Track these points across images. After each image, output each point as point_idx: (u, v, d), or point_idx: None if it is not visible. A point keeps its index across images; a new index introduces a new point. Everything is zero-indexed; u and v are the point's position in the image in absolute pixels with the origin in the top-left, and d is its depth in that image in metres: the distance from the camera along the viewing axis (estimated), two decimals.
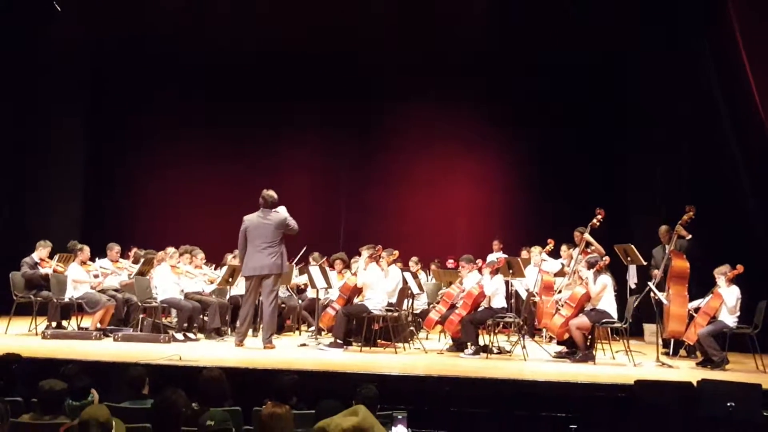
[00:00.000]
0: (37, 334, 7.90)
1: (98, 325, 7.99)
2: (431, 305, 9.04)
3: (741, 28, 6.64)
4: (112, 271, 8.73)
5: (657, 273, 8.03)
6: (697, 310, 7.46)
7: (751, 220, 8.27)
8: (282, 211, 7.47)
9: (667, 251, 8.03)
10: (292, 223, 7.45)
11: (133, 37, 11.09)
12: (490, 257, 9.71)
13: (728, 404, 5.08)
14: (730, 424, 5.02)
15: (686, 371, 6.88)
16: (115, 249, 8.98)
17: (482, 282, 7.82)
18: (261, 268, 7.33)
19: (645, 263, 8.40)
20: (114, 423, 2.99)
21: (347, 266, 9.24)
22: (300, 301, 9.41)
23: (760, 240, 7.97)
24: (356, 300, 8.01)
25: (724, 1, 6.76)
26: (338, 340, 7.65)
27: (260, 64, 11.48)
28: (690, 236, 8.05)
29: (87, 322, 8.30)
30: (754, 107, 6.69)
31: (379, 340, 8.08)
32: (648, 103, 10.25)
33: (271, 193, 7.48)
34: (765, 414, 5.25)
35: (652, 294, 7.78)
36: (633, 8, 9.77)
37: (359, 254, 8.25)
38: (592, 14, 10.08)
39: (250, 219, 7.44)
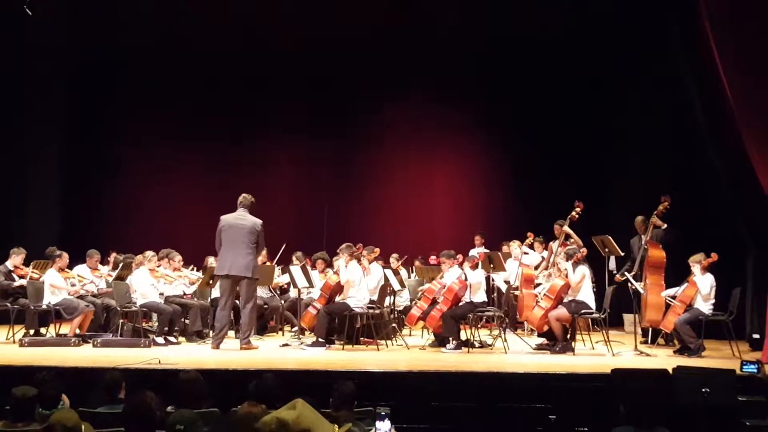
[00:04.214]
0: (14, 342, 7.81)
1: (77, 332, 7.92)
2: (413, 302, 9.06)
3: (713, 29, 6.75)
4: (91, 281, 8.64)
5: (625, 275, 8.10)
6: (673, 297, 7.54)
7: (725, 209, 8.36)
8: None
9: (643, 241, 8.12)
10: (262, 240, 7.50)
11: (109, 44, 11.07)
12: (472, 252, 9.76)
13: (703, 390, 5.14)
14: (706, 409, 5.08)
15: (664, 359, 6.95)
16: (95, 257, 8.90)
17: (462, 277, 7.86)
18: (234, 267, 7.32)
19: (622, 254, 8.49)
20: (83, 427, 2.98)
21: (329, 265, 9.24)
22: (282, 302, 9.40)
23: (734, 228, 8.06)
24: (338, 298, 8.02)
25: (699, 10, 6.89)
26: (320, 339, 7.65)
27: (236, 65, 11.47)
28: (665, 226, 8.15)
29: (66, 329, 8.22)
30: (727, 103, 6.81)
31: (361, 338, 8.10)
32: (625, 98, 10.36)
33: (248, 196, 7.59)
34: (740, 399, 5.33)
35: (629, 284, 7.86)
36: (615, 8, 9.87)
37: (339, 254, 8.26)
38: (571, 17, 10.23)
39: (226, 219, 7.48)
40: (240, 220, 7.43)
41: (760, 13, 6.58)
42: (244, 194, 7.58)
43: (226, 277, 7.41)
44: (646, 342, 8.10)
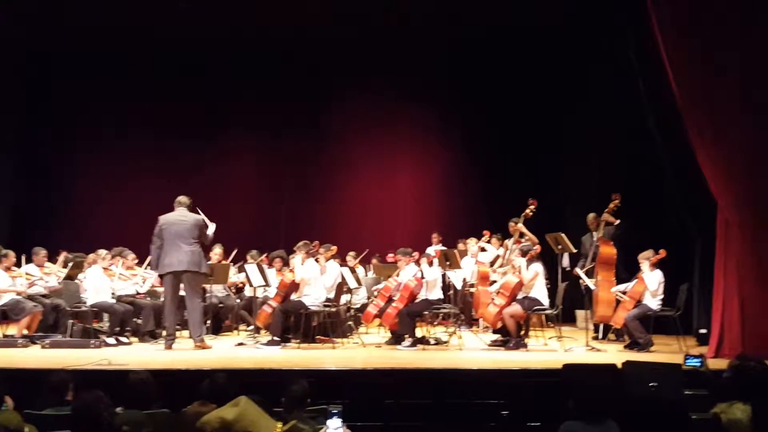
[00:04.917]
0: None
1: (25, 333, 7.70)
2: (370, 299, 9.07)
3: (660, 28, 6.92)
4: (40, 278, 8.41)
5: (577, 271, 8.24)
6: (623, 293, 7.71)
7: (673, 206, 8.58)
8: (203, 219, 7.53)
9: (594, 238, 8.29)
10: (209, 231, 7.50)
11: (60, 39, 10.74)
12: (429, 250, 9.82)
13: (651, 384, 5.27)
14: (654, 403, 5.21)
15: (614, 354, 7.09)
16: (41, 253, 8.66)
17: (418, 275, 7.90)
18: (178, 264, 7.25)
19: (575, 251, 8.64)
20: (26, 429, 2.90)
21: (287, 264, 9.18)
22: (238, 301, 9.30)
23: (682, 225, 8.27)
24: (294, 296, 7.97)
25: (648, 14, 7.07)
26: (275, 338, 7.60)
27: (194, 62, 11.31)
28: (618, 221, 8.32)
29: (13, 330, 7.98)
30: (675, 101, 7.00)
31: (317, 336, 8.07)
32: (579, 98, 10.55)
33: (186, 198, 7.59)
34: (686, 392, 5.48)
35: (581, 280, 8.01)
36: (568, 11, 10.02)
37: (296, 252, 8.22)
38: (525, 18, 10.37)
39: (166, 218, 7.43)
40: (181, 217, 7.40)
41: (705, 12, 6.75)
42: (181, 195, 7.57)
43: (168, 274, 7.32)
44: (597, 338, 8.27)
